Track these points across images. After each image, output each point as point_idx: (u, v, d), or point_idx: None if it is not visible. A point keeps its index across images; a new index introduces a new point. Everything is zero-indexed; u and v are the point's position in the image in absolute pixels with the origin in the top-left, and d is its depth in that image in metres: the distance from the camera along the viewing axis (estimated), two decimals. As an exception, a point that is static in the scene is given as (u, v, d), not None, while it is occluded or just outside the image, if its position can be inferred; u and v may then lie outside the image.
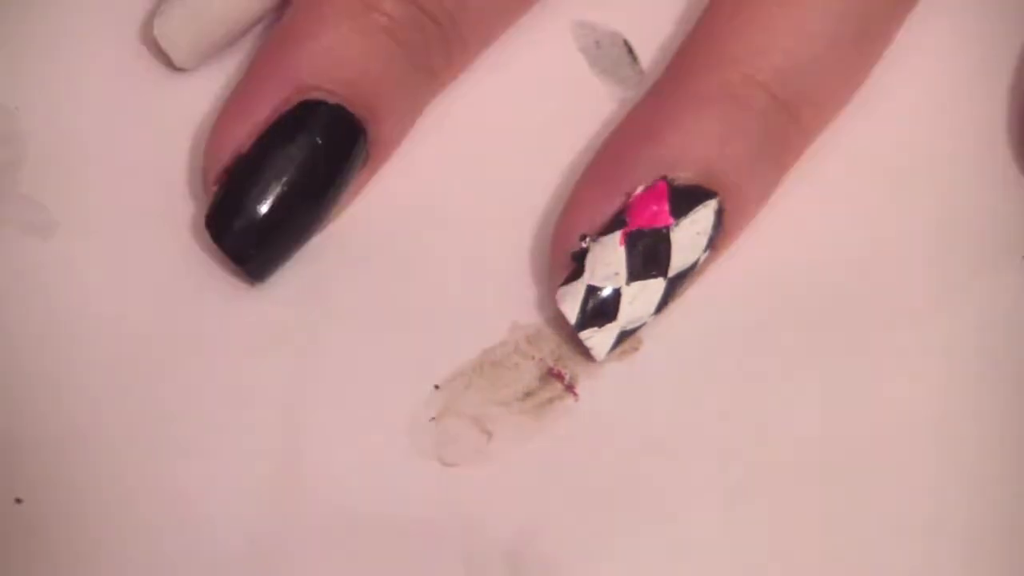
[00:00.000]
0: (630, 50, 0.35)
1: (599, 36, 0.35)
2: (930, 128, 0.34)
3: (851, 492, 0.30)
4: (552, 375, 0.31)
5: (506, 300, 0.32)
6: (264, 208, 0.31)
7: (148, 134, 0.34)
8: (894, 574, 0.30)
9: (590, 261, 0.30)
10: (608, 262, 0.30)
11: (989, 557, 0.30)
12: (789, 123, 0.31)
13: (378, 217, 0.33)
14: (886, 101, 0.33)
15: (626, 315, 0.30)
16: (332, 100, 0.31)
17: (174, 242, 0.33)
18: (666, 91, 0.31)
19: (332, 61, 0.31)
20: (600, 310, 0.30)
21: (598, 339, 0.31)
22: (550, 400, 0.31)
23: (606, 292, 0.30)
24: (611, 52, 0.35)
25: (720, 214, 0.31)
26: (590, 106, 0.34)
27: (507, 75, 0.34)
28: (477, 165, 0.34)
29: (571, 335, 0.31)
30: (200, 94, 0.34)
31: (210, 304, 0.32)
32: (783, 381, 0.31)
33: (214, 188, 0.31)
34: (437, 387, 0.31)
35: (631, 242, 0.30)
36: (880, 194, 0.33)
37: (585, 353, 0.31)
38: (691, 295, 0.32)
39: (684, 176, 0.30)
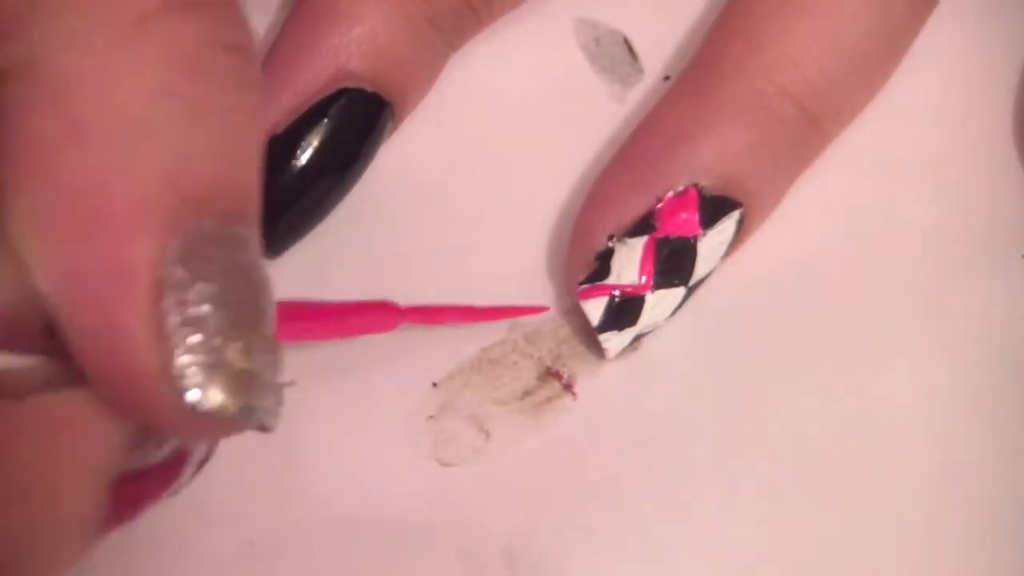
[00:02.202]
0: (630, 48, 0.35)
1: (599, 34, 0.35)
2: (931, 127, 0.34)
3: (850, 490, 0.31)
4: (551, 374, 0.31)
5: (505, 298, 0.32)
6: (294, 187, 0.31)
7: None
8: (892, 572, 0.30)
9: (616, 263, 0.30)
10: (635, 266, 0.30)
11: (987, 555, 0.30)
12: (812, 134, 0.31)
13: (378, 213, 0.33)
14: (888, 101, 0.33)
15: (645, 320, 0.30)
16: (369, 88, 0.31)
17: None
18: (699, 93, 0.31)
19: (375, 49, 0.31)
20: (623, 314, 0.30)
21: (615, 342, 0.31)
22: (548, 399, 0.31)
23: (631, 297, 0.30)
24: (611, 50, 0.35)
25: (740, 223, 0.31)
26: (589, 104, 0.34)
27: (507, 72, 0.34)
28: (475, 161, 0.33)
29: (574, 331, 0.31)
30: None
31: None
32: (782, 380, 0.31)
33: None
34: (435, 385, 0.31)
35: (659, 249, 0.30)
36: (881, 193, 0.34)
37: (590, 349, 0.31)
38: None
39: (712, 184, 0.30)
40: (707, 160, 0.30)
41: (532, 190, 0.33)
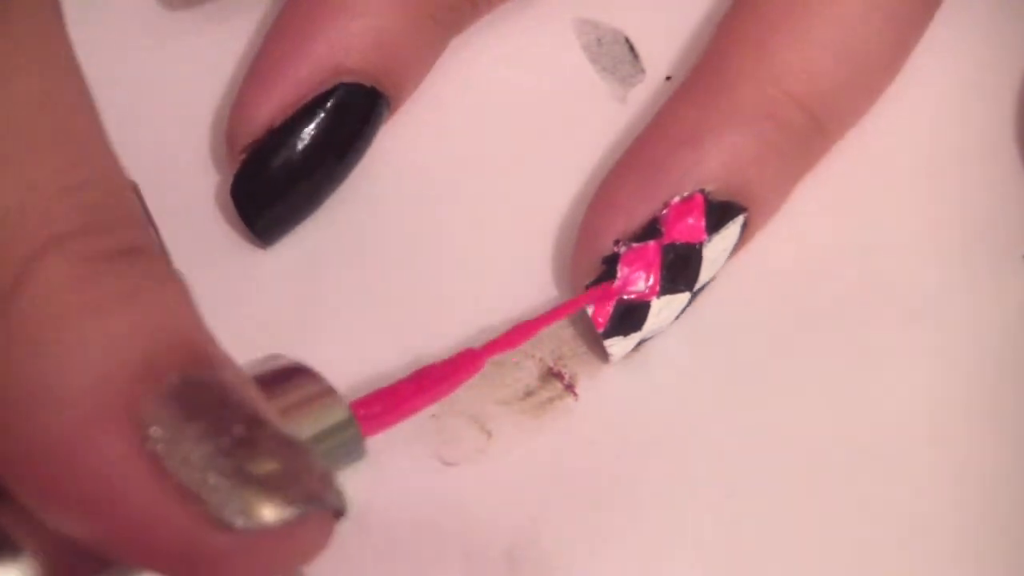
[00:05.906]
0: (631, 48, 0.35)
1: (601, 34, 0.35)
2: (932, 128, 0.34)
3: (850, 492, 0.31)
4: (552, 375, 0.31)
5: (507, 298, 0.32)
6: (286, 178, 0.31)
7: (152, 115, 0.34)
8: (892, 573, 0.30)
9: (623, 268, 0.30)
10: (642, 272, 0.30)
11: (986, 556, 0.30)
12: (817, 139, 0.31)
13: (379, 213, 0.33)
14: (889, 101, 0.33)
15: (650, 325, 0.30)
16: (368, 83, 0.31)
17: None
18: (707, 98, 0.31)
19: (375, 44, 0.31)
20: (629, 320, 0.30)
21: (620, 346, 0.31)
22: (550, 399, 0.31)
23: (637, 303, 0.30)
24: (612, 50, 0.35)
25: (744, 227, 0.31)
26: (591, 104, 0.34)
27: (508, 72, 0.34)
28: (477, 162, 0.33)
29: (576, 332, 0.31)
30: (198, 69, 0.34)
31: (208, 304, 0.32)
32: (782, 381, 0.32)
33: (241, 157, 0.31)
34: (437, 386, 0.31)
35: (665, 254, 0.30)
36: (881, 193, 0.34)
37: (592, 351, 0.31)
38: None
39: (718, 190, 0.30)
40: (715, 167, 0.30)
41: (533, 191, 0.33)
